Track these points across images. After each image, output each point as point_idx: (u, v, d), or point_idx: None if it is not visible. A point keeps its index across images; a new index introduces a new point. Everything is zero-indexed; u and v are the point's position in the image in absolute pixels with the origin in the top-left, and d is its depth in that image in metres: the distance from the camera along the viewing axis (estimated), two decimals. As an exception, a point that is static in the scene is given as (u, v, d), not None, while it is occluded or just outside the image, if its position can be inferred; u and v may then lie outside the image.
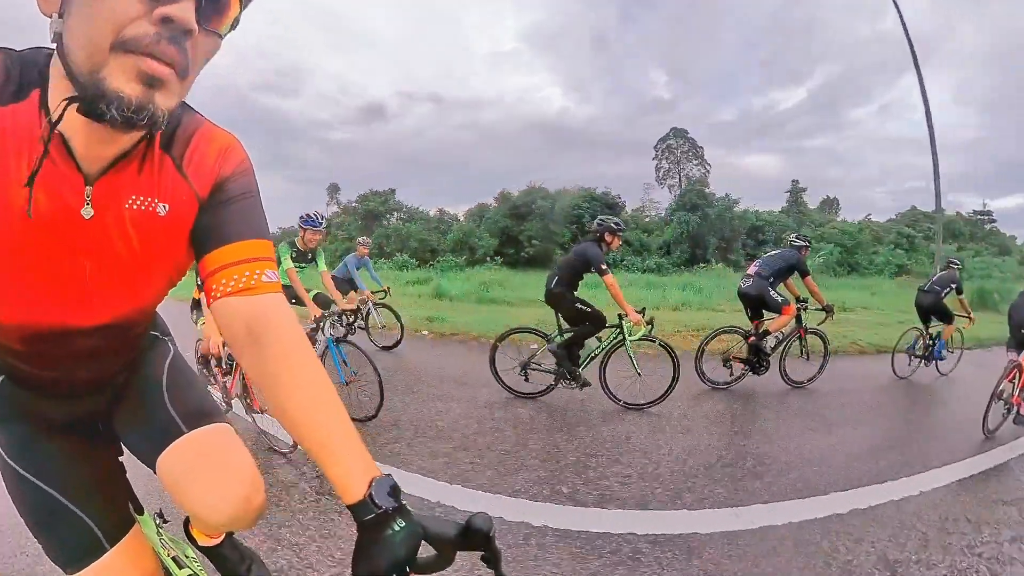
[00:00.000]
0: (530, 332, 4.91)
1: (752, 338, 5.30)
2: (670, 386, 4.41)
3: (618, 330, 4.48)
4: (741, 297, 5.53)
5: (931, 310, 6.36)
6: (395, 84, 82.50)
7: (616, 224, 4.58)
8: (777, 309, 5.23)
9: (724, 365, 5.34)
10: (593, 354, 4.61)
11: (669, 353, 4.44)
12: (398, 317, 6.52)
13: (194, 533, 1.19)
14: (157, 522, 1.22)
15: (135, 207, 0.75)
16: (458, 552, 0.67)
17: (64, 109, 0.61)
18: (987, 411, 4.11)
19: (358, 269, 6.65)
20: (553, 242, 26.86)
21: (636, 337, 4.39)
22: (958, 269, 6.63)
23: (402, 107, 73.08)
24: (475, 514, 0.67)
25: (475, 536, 0.66)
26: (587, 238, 4.68)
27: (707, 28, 78.21)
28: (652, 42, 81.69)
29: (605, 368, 4.53)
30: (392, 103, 75.61)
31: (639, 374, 4.42)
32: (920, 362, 6.44)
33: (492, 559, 0.68)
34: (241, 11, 0.67)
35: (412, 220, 32.93)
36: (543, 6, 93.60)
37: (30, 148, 0.65)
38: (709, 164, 40.58)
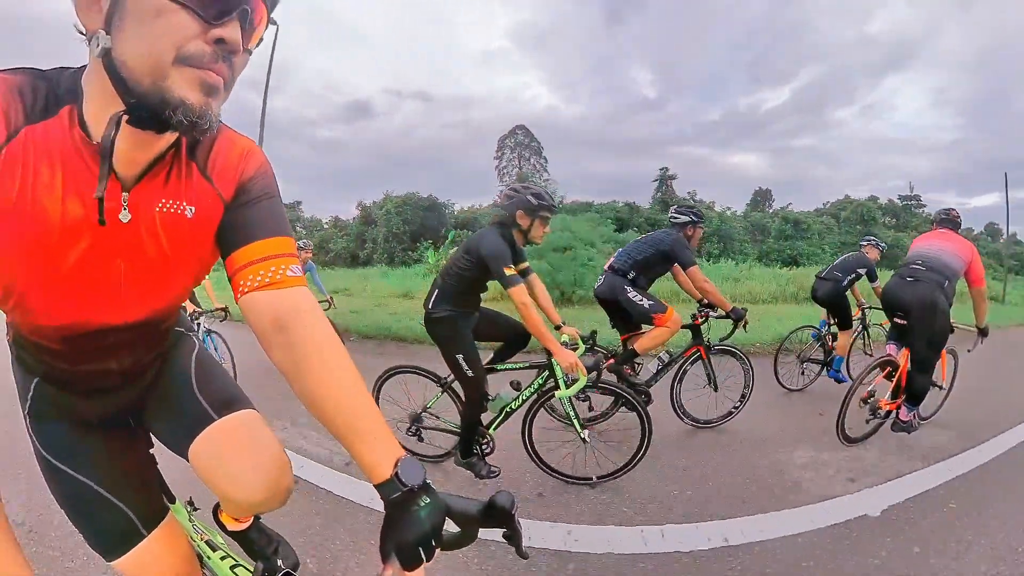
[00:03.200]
0: (420, 373, 2.96)
1: (611, 360, 3.52)
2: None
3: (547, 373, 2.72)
4: (598, 301, 3.86)
5: (828, 302, 4.75)
6: (383, 82, 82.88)
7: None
8: (644, 317, 3.51)
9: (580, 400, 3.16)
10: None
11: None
12: (338, 332, 5.59)
13: (223, 519, 1.26)
14: (188, 509, 1.30)
15: (165, 210, 0.80)
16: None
17: (119, 123, 0.67)
18: (843, 414, 3.30)
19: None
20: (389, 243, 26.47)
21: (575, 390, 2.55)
22: (877, 248, 5.11)
23: (390, 105, 72.71)
24: (498, 492, 0.69)
25: (498, 514, 0.68)
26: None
27: (694, 28, 77.50)
28: (640, 42, 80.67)
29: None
30: (380, 101, 75.21)
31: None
32: (822, 369, 4.91)
33: (513, 537, 0.70)
34: (266, 28, 0.73)
35: (309, 230, 32.98)
36: (532, 5, 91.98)
37: (63, 161, 0.70)
38: (545, 159, 38.98)
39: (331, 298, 6.12)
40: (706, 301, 3.61)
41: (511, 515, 0.68)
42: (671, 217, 3.76)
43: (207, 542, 1.23)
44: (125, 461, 1.07)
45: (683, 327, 3.54)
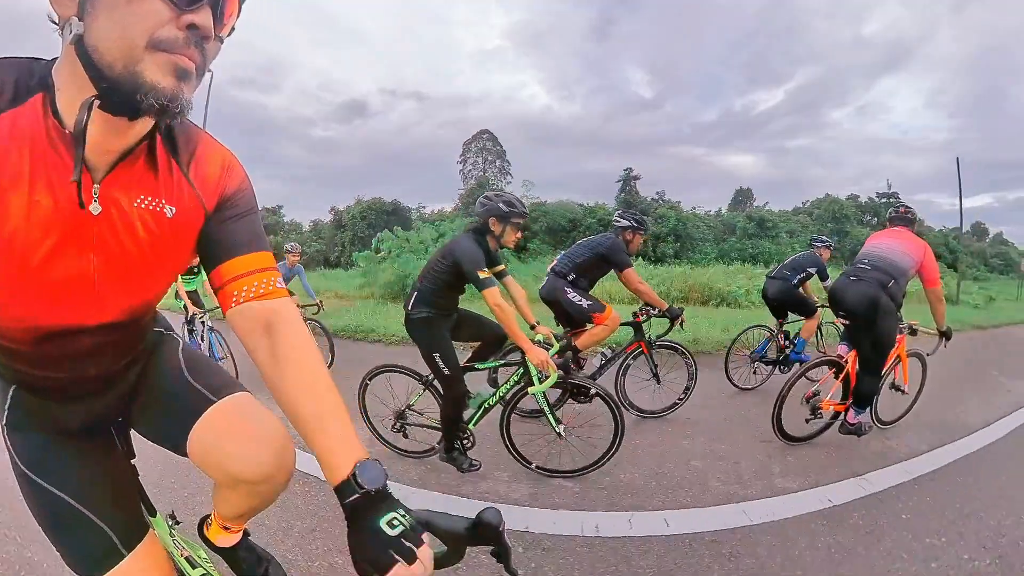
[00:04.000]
0: (403, 372, 3.05)
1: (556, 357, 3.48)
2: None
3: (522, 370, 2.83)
4: (543, 301, 3.89)
5: (779, 301, 4.81)
6: (379, 81, 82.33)
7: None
8: (584, 316, 3.65)
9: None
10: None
11: None
12: (328, 334, 5.75)
13: (209, 534, 1.19)
14: (169, 523, 1.21)
15: (143, 206, 0.79)
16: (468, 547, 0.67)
17: (91, 107, 0.66)
18: (778, 410, 3.22)
19: (288, 280, 5.85)
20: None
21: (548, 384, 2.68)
22: (827, 248, 5.12)
23: (386, 104, 72.27)
24: (485, 509, 0.66)
25: (485, 531, 0.66)
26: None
27: (690, 29, 79.55)
28: (636, 42, 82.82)
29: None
30: (376, 100, 74.44)
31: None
32: (773, 368, 4.90)
33: (502, 554, 0.68)
34: (237, 18, 0.74)
35: (286, 233, 33.54)
36: (528, 5, 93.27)
37: (32, 150, 0.68)
38: (509, 162, 40.16)
39: (320, 302, 6.06)
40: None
41: (499, 532, 0.66)
42: (614, 221, 3.92)
43: (187, 559, 1.15)
44: (105, 474, 1.00)
45: (625, 324, 3.78)
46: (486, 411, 2.89)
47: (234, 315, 0.85)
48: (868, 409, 3.36)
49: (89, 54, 0.64)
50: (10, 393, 0.94)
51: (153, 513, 1.14)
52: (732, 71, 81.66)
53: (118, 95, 0.65)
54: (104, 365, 0.94)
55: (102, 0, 0.63)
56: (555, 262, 3.95)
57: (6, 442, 0.96)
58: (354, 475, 0.67)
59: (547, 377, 2.60)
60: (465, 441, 2.87)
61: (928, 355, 3.69)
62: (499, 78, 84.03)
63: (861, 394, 3.28)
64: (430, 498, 2.59)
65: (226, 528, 1.19)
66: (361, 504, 0.65)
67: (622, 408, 2.77)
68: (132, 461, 1.10)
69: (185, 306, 5.06)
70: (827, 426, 3.44)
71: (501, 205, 2.71)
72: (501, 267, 2.87)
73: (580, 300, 3.66)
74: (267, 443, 0.97)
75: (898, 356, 3.57)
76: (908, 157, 71.13)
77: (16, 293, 0.74)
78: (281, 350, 0.81)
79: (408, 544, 0.62)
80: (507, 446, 2.84)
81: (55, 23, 0.67)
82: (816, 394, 3.36)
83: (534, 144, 67.06)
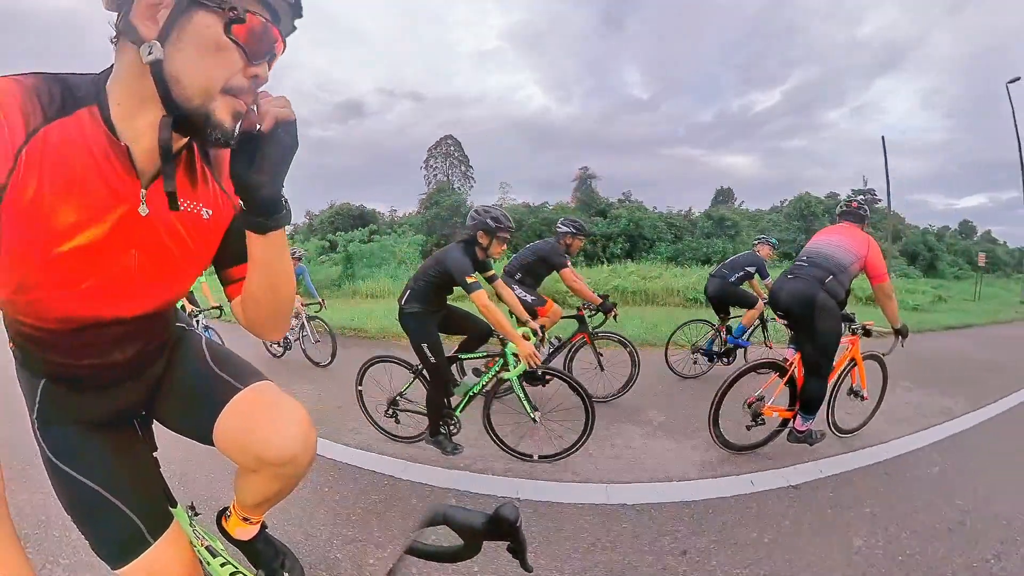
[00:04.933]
0: (395, 362, 3.32)
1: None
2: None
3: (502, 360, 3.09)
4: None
5: (718, 298, 4.95)
6: (377, 81, 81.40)
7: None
8: (530, 310, 3.97)
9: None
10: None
11: None
12: (331, 331, 5.85)
13: (228, 527, 1.21)
14: (189, 514, 1.23)
15: (185, 209, 0.87)
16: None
17: (171, 126, 0.75)
18: (713, 413, 3.11)
19: None
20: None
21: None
22: (768, 246, 5.29)
23: (383, 105, 71.59)
24: (502, 504, 0.67)
25: (502, 525, 0.66)
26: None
27: (687, 31, 79.93)
28: (633, 43, 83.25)
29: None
30: (373, 100, 73.79)
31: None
32: (716, 360, 5.04)
33: (518, 549, 0.69)
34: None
35: None
36: (526, 6, 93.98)
37: (85, 157, 0.74)
38: (472, 167, 41.09)
39: (322, 300, 6.30)
40: (605, 296, 4.26)
41: (516, 527, 0.67)
42: (556, 227, 4.42)
43: (207, 548, 1.18)
44: (132, 465, 1.03)
45: (569, 317, 4.28)
46: (471, 398, 3.15)
47: (236, 305, 0.97)
48: (818, 414, 3.13)
49: (167, 82, 0.72)
50: (40, 387, 0.97)
51: (174, 504, 1.16)
52: (729, 72, 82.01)
53: (188, 123, 0.75)
54: (130, 354, 0.98)
55: (192, 38, 0.71)
56: (508, 263, 4.44)
57: (37, 436, 0.98)
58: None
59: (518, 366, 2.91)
60: (452, 427, 3.13)
61: (884, 355, 3.51)
62: (497, 78, 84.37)
63: (807, 399, 3.08)
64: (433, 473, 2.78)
65: (245, 520, 1.21)
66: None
67: (592, 398, 2.97)
68: (154, 454, 1.12)
69: (182, 305, 5.14)
70: (775, 434, 3.22)
71: (489, 221, 3.02)
72: (491, 272, 3.20)
73: (525, 295, 4.11)
74: (292, 425, 1.02)
75: (853, 359, 3.40)
76: (903, 158, 68.67)
77: (60, 289, 0.80)
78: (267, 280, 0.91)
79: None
80: (487, 430, 3.07)
81: (114, 39, 0.74)
82: (760, 399, 3.18)
83: (532, 145, 67.00)
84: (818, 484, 2.72)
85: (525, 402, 2.97)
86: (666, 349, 5.13)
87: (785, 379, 3.15)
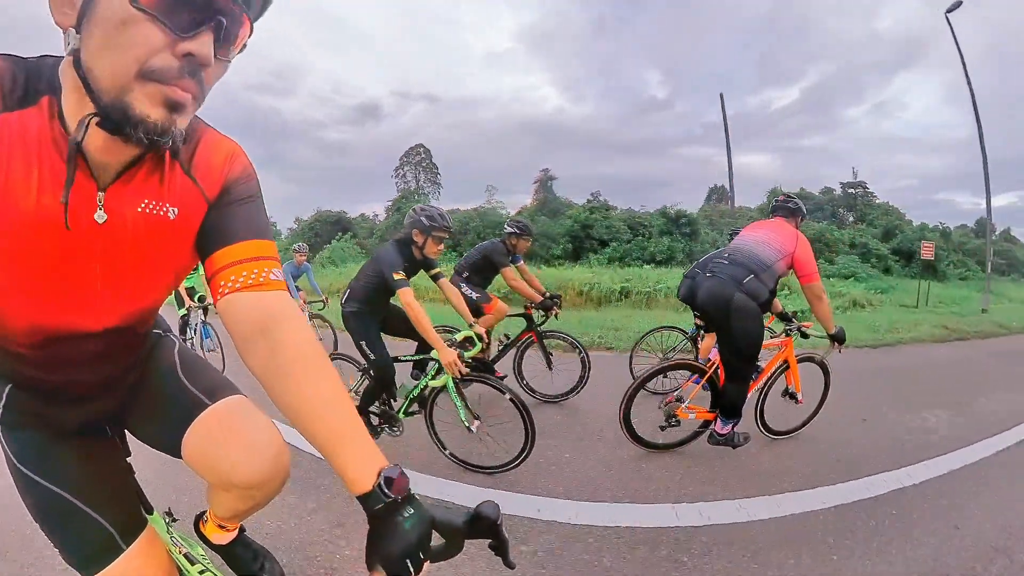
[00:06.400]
0: (345, 359, 3.55)
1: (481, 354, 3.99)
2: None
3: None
4: None
5: (688, 301, 4.93)
6: (390, 84, 79.23)
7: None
8: (475, 308, 4.18)
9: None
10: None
11: None
12: (333, 329, 6.03)
13: (206, 531, 1.20)
14: (167, 520, 1.21)
15: (147, 211, 0.77)
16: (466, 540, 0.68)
17: (87, 126, 0.64)
18: (624, 410, 3.03)
19: (296, 277, 6.57)
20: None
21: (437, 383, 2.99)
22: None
23: (397, 107, 70.02)
24: (483, 503, 0.67)
25: (483, 524, 0.66)
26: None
27: (701, 28, 78.27)
28: (646, 42, 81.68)
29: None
30: (387, 103, 72.34)
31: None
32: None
33: (500, 547, 0.69)
34: (250, 36, 0.70)
35: None
36: (538, 6, 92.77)
37: (39, 154, 0.66)
38: (440, 173, 42.62)
39: (326, 298, 6.45)
40: (548, 294, 4.28)
41: (497, 525, 0.67)
42: (504, 227, 4.55)
43: (185, 555, 1.15)
44: (102, 471, 0.99)
45: (516, 316, 4.32)
46: (412, 401, 3.12)
47: (223, 306, 0.78)
48: (734, 419, 3.00)
49: (84, 73, 0.62)
50: (5, 392, 0.92)
51: (150, 511, 1.13)
52: (744, 69, 79.56)
53: (110, 122, 0.63)
54: (104, 370, 0.93)
55: (97, 18, 0.59)
56: (457, 262, 4.66)
57: (1, 440, 0.94)
58: (379, 485, 0.65)
59: (442, 373, 2.84)
60: (395, 429, 3.17)
61: (817, 361, 3.41)
62: (510, 80, 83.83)
63: (726, 403, 2.94)
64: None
65: (221, 527, 1.20)
66: (386, 511, 0.64)
67: (532, 416, 2.76)
68: (128, 459, 1.09)
69: (180, 298, 5.18)
70: (695, 435, 3.13)
71: (423, 219, 3.03)
72: (436, 270, 3.21)
73: (471, 292, 4.26)
74: (262, 449, 0.96)
75: (786, 361, 3.25)
76: (926, 155, 66.75)
77: (20, 296, 0.74)
78: (284, 356, 0.74)
79: (420, 555, 0.63)
80: (430, 434, 2.97)
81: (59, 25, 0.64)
82: (679, 400, 3.08)
83: (546, 146, 65.99)
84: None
85: (461, 410, 2.86)
86: (631, 358, 4.72)
87: (703, 380, 3.04)
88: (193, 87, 0.63)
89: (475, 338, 2.96)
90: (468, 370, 2.71)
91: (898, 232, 26.16)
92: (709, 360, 3.14)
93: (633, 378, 4.15)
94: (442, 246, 3.13)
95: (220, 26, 0.62)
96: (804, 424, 3.43)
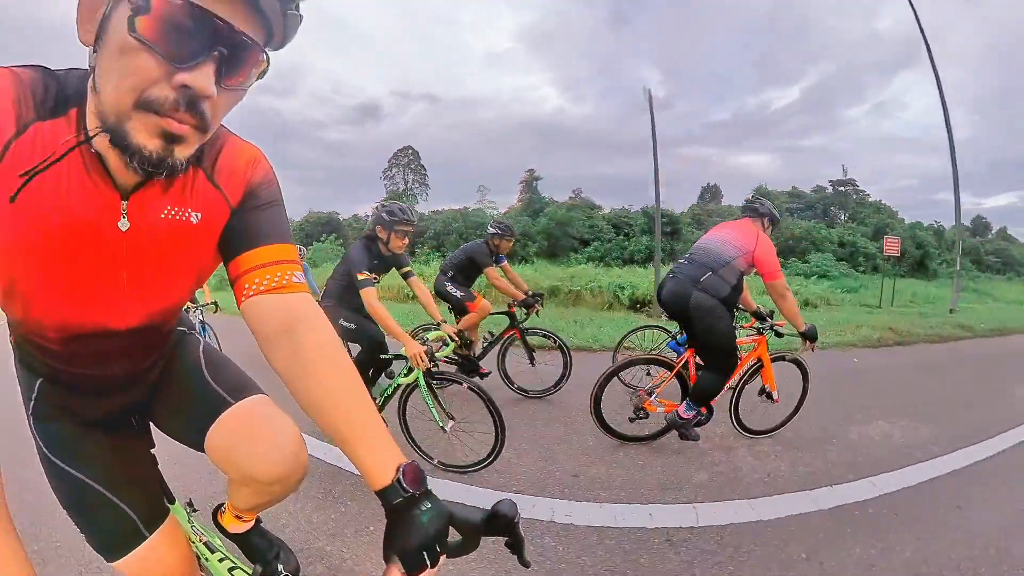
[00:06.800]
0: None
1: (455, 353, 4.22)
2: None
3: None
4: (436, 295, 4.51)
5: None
6: (390, 84, 79.40)
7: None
8: (460, 307, 4.40)
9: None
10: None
11: None
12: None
13: (223, 521, 1.24)
14: (187, 511, 1.25)
15: (170, 217, 0.79)
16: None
17: (94, 135, 0.67)
18: (594, 399, 3.10)
19: None
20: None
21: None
22: None
23: (397, 107, 70.65)
24: (500, 501, 0.68)
25: (500, 522, 0.67)
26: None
27: (701, 28, 78.17)
28: (646, 42, 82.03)
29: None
30: (387, 103, 72.83)
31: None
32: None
33: (516, 545, 0.69)
34: (268, 65, 0.69)
35: None
36: (538, 6, 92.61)
37: (67, 163, 0.69)
38: (428, 175, 44.07)
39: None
40: (531, 293, 4.44)
41: (514, 524, 0.67)
42: (488, 228, 4.69)
43: (205, 544, 1.19)
44: (127, 461, 1.04)
45: (500, 313, 4.47)
46: (388, 399, 3.08)
47: (247, 308, 0.80)
48: (699, 407, 3.04)
49: (98, 93, 0.63)
50: (37, 385, 0.97)
51: (172, 500, 1.17)
52: (745, 69, 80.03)
53: (117, 143, 0.64)
54: (130, 364, 0.97)
55: (106, 41, 0.60)
56: (443, 262, 4.77)
57: (32, 431, 0.98)
58: (399, 480, 0.67)
59: (412, 371, 2.81)
60: None
61: (788, 360, 3.39)
62: (509, 79, 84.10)
63: (699, 390, 2.99)
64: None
65: (238, 517, 1.24)
66: (404, 505, 0.66)
67: (499, 412, 2.77)
68: (152, 451, 1.13)
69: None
70: (666, 430, 3.16)
71: (384, 215, 3.05)
72: (406, 268, 3.27)
73: (456, 291, 4.41)
74: (282, 447, 0.98)
75: (759, 360, 3.25)
76: (926, 156, 65.88)
77: (47, 295, 0.78)
78: (306, 355, 0.76)
79: (437, 548, 0.65)
80: (403, 432, 2.95)
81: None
82: (649, 393, 3.14)
83: (546, 146, 66.30)
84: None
85: (433, 409, 2.82)
86: (614, 357, 4.75)
87: (672, 375, 3.10)
88: (191, 119, 0.63)
89: (447, 338, 2.97)
90: (433, 363, 2.71)
91: (888, 230, 26.30)
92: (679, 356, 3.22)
93: (621, 381, 4.17)
94: (407, 240, 3.14)
95: (221, 57, 0.62)
96: (783, 423, 3.46)
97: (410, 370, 2.86)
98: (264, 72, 0.70)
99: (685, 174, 63.16)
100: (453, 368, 4.40)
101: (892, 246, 13.73)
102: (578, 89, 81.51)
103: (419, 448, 2.92)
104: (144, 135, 0.61)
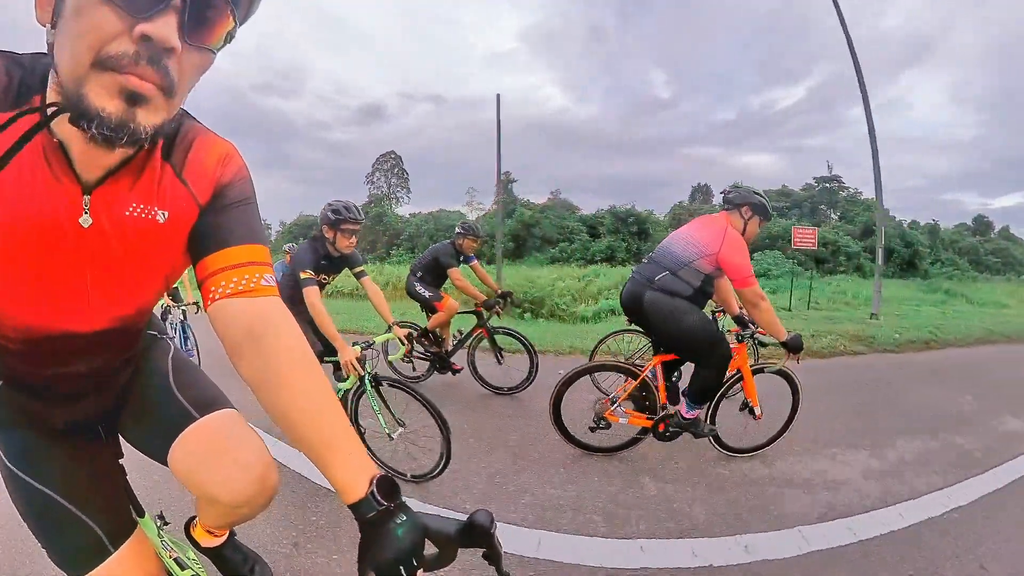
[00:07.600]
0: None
1: (423, 338, 4.56)
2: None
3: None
4: (408, 295, 4.79)
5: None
6: (394, 84, 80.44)
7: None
8: (428, 306, 4.54)
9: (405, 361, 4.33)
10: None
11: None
12: None
13: (196, 535, 1.19)
14: (158, 524, 1.20)
15: (135, 214, 0.75)
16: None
17: (53, 115, 0.62)
18: (555, 413, 2.96)
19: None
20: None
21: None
22: None
23: (401, 107, 71.85)
24: (476, 511, 0.66)
25: (477, 533, 0.65)
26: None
27: (705, 28, 78.77)
28: (650, 42, 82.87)
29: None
30: (391, 103, 73.99)
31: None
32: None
33: (493, 556, 0.68)
34: (237, 26, 0.66)
35: None
36: (541, 6, 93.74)
37: (30, 154, 0.65)
38: (409, 178, 45.08)
39: None
40: (500, 292, 4.70)
41: (491, 534, 0.66)
42: (455, 229, 4.79)
43: (176, 560, 1.14)
44: (92, 472, 0.99)
45: (468, 312, 4.57)
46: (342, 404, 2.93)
47: (214, 312, 0.76)
48: (700, 404, 2.88)
49: (56, 68, 0.60)
50: None
51: (141, 513, 1.11)
52: (749, 69, 79.98)
53: (73, 116, 0.59)
54: (94, 368, 0.93)
55: (65, 10, 0.58)
56: (413, 262, 4.95)
57: None
58: (372, 493, 0.65)
59: (347, 378, 2.70)
60: None
61: (772, 371, 3.05)
62: (513, 79, 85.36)
63: (695, 387, 2.83)
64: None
65: (210, 532, 1.19)
66: (378, 518, 0.64)
67: (446, 423, 2.63)
68: (120, 461, 1.08)
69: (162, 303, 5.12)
70: (633, 441, 2.99)
71: (329, 214, 3.02)
72: (359, 268, 3.24)
73: (424, 291, 4.54)
74: (248, 468, 0.94)
75: (738, 371, 2.94)
76: (932, 155, 67.54)
77: (8, 298, 0.74)
78: (273, 361, 0.72)
79: (413, 562, 0.63)
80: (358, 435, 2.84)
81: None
82: (612, 401, 2.95)
83: (551, 146, 67.00)
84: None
85: (380, 415, 2.68)
86: (590, 358, 4.52)
87: (636, 383, 2.88)
88: (154, 75, 0.58)
89: (399, 341, 2.91)
90: (362, 369, 2.56)
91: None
92: (643, 364, 3.02)
93: (596, 386, 3.87)
94: (354, 239, 3.07)
95: (184, 7, 0.58)
96: (769, 443, 3.10)
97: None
98: (232, 34, 0.66)
99: (688, 174, 64.72)
100: (426, 364, 4.65)
101: (804, 238, 11.49)
102: (582, 90, 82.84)
103: (373, 455, 2.79)
104: (103, 96, 0.57)
